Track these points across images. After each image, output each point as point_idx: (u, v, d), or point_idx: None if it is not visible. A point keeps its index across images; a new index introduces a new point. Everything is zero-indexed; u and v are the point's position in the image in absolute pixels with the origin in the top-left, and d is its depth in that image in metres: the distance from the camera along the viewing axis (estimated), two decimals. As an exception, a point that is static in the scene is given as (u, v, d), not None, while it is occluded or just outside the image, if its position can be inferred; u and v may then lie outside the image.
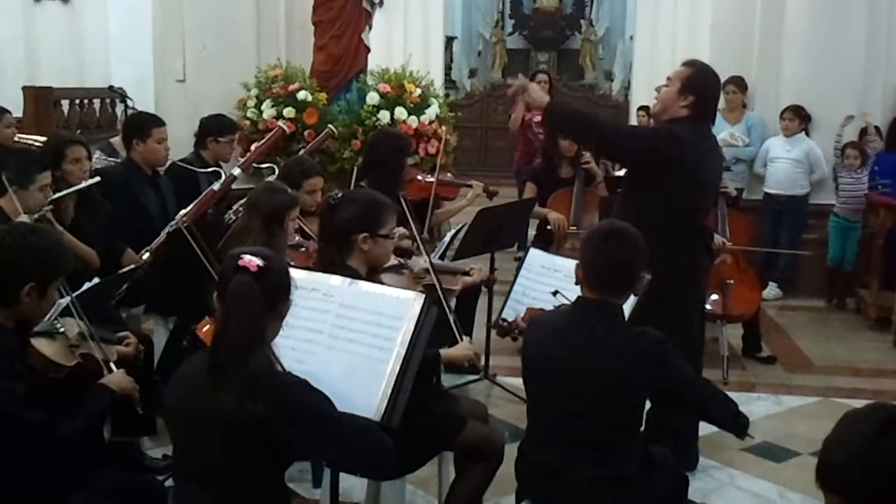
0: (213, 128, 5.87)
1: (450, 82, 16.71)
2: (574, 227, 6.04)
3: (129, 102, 8.20)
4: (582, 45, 18.57)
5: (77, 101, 8.80)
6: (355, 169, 5.82)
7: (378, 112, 7.50)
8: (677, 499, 3.20)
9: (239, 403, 2.29)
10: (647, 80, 12.27)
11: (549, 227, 6.19)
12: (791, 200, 7.80)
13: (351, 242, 3.25)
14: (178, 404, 2.52)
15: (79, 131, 7.71)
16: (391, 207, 3.41)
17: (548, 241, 6.02)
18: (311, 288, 2.84)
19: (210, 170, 5.58)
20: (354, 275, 3.16)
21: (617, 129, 4.28)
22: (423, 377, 3.13)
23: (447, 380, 5.27)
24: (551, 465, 2.95)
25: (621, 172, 6.18)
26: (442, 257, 5.21)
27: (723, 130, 7.66)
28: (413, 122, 7.49)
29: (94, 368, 3.17)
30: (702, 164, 4.11)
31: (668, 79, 4.17)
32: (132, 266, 4.43)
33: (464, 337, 3.60)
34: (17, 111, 7.41)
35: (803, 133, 7.82)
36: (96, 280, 3.90)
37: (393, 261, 3.72)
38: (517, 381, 4.63)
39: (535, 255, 4.06)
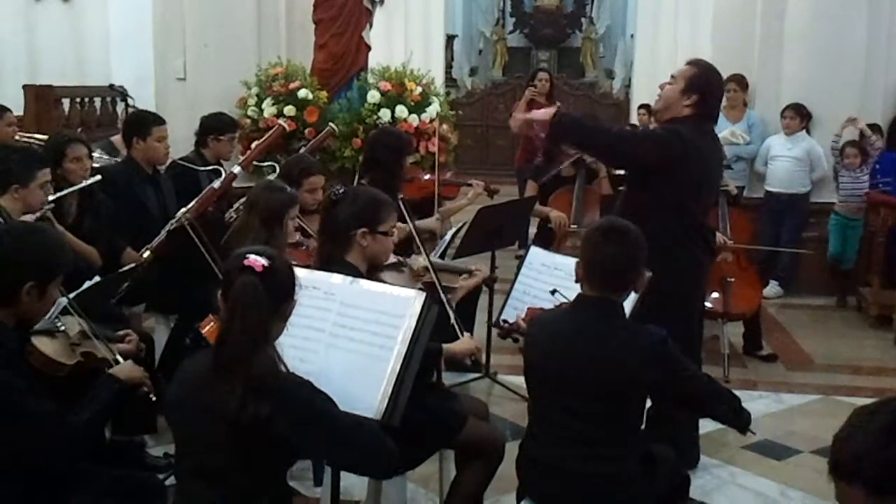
0: (213, 126, 5.88)
1: (450, 80, 16.70)
2: (575, 226, 6.04)
3: (130, 101, 8.20)
4: (583, 44, 18.56)
5: (78, 100, 8.79)
6: (358, 167, 5.83)
7: (379, 110, 7.49)
8: (678, 497, 3.20)
9: (242, 403, 2.29)
10: (647, 79, 12.28)
11: (550, 226, 6.20)
12: (792, 199, 7.79)
13: (350, 238, 3.26)
14: (181, 402, 2.52)
15: (80, 130, 7.70)
16: (392, 205, 3.42)
17: (549, 240, 6.02)
18: (312, 286, 2.83)
19: (210, 168, 5.58)
20: (353, 270, 3.17)
21: (619, 135, 4.27)
22: (424, 370, 3.13)
23: (448, 378, 5.27)
24: (552, 463, 2.95)
25: (623, 171, 6.17)
26: (443, 256, 5.22)
27: (724, 129, 7.64)
28: (414, 120, 7.48)
29: (96, 366, 3.17)
30: (705, 163, 4.11)
31: (672, 77, 4.16)
32: (132, 265, 4.43)
33: (464, 332, 3.60)
34: (18, 109, 7.41)
35: (804, 131, 7.81)
36: (97, 279, 3.90)
37: (392, 259, 3.72)
38: (518, 380, 4.64)
39: (535, 253, 4.05)
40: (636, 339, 2.95)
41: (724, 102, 7.77)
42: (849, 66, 7.72)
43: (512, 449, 3.26)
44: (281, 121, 6.97)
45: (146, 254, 4.60)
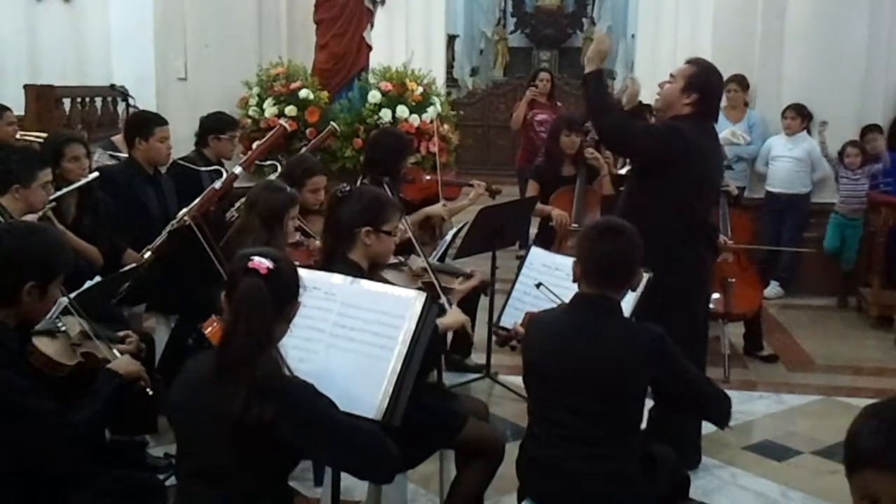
0: (213, 125, 5.88)
1: (452, 80, 16.70)
2: (576, 225, 6.04)
3: (131, 101, 8.19)
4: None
5: (79, 100, 8.79)
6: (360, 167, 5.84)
7: (380, 110, 7.49)
8: (678, 497, 3.20)
9: (246, 405, 2.29)
10: (648, 79, 12.21)
11: (551, 225, 6.20)
12: (793, 199, 7.79)
13: (354, 235, 3.27)
14: (183, 403, 2.52)
15: (80, 129, 7.70)
16: (396, 206, 3.45)
17: (549, 240, 6.02)
18: (312, 286, 2.83)
19: (212, 168, 5.59)
20: (355, 268, 3.19)
21: (627, 123, 4.28)
22: (430, 354, 3.13)
23: (449, 378, 5.28)
24: (552, 464, 2.96)
25: (624, 171, 6.18)
26: (443, 256, 5.22)
27: (724, 129, 7.65)
28: (415, 120, 7.48)
29: (96, 367, 3.17)
30: (705, 160, 4.12)
31: (672, 76, 4.17)
32: (133, 265, 4.43)
33: (452, 305, 3.62)
34: (19, 109, 7.40)
35: (805, 132, 7.81)
36: (98, 279, 3.90)
37: (392, 259, 3.73)
38: (518, 380, 4.63)
39: (536, 253, 4.06)
40: (635, 336, 2.97)
41: (724, 102, 7.83)
42: (849, 67, 7.73)
43: (512, 449, 3.26)
44: (282, 121, 6.97)
45: (147, 254, 4.61)
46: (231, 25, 8.11)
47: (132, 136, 5.28)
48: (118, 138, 6.27)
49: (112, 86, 8.87)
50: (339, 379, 2.73)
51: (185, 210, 4.86)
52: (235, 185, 5.42)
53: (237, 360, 2.34)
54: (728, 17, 8.75)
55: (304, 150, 6.30)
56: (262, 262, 2.41)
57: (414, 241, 4.01)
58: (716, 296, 5.88)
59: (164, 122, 5.36)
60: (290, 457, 2.55)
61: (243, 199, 4.83)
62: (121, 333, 3.53)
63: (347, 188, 3.40)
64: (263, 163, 5.84)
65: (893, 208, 7.28)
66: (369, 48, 8.01)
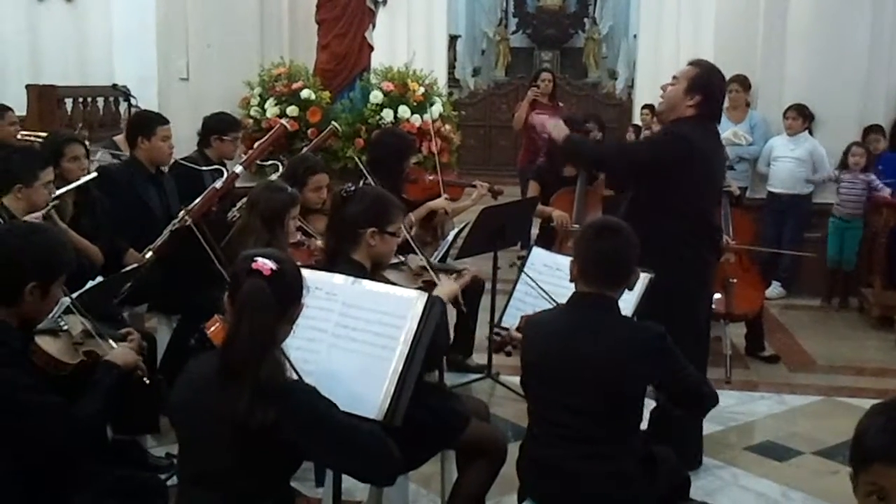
0: (216, 126, 5.88)
1: (453, 81, 16.71)
2: (577, 225, 6.04)
3: (133, 101, 8.21)
4: (585, 44, 18.56)
5: (81, 100, 8.81)
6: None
7: (381, 110, 7.50)
8: (679, 497, 3.20)
9: (249, 408, 2.29)
10: (650, 79, 12.26)
11: (552, 225, 6.20)
12: (794, 199, 7.79)
13: (358, 236, 3.28)
14: (185, 404, 2.51)
15: (81, 127, 7.71)
16: (400, 207, 3.45)
17: (551, 240, 6.02)
18: (314, 287, 2.83)
19: (213, 167, 5.59)
20: (358, 268, 3.19)
21: (620, 149, 4.33)
22: (436, 346, 3.13)
23: (450, 378, 5.28)
24: (553, 464, 2.96)
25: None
26: (445, 256, 5.22)
27: (726, 129, 7.66)
28: (416, 120, 7.49)
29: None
30: (707, 162, 4.13)
31: (675, 77, 4.17)
32: (135, 265, 4.43)
33: (440, 278, 3.62)
34: (21, 109, 7.42)
35: (807, 132, 7.81)
36: (99, 279, 3.90)
37: (393, 258, 3.73)
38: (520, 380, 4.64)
39: (538, 254, 4.06)
40: (634, 334, 2.98)
41: (726, 103, 7.81)
42: (851, 67, 7.72)
43: (514, 449, 3.26)
44: (283, 121, 6.98)
45: (148, 254, 4.61)
46: (233, 25, 8.12)
47: (134, 135, 5.28)
48: (120, 138, 6.27)
49: (114, 86, 8.89)
50: (340, 379, 2.73)
51: (186, 209, 4.86)
52: (237, 184, 5.42)
53: (240, 362, 2.34)
54: (730, 17, 8.75)
55: (305, 150, 6.31)
56: (265, 264, 2.40)
57: (411, 240, 4.02)
58: (717, 296, 5.87)
59: (165, 121, 5.36)
60: (292, 458, 2.54)
61: (245, 199, 4.84)
62: (122, 331, 3.53)
63: (352, 188, 3.40)
64: (264, 163, 5.85)
65: (894, 209, 7.28)
66: (371, 48, 8.02)
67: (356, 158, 5.74)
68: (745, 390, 5.57)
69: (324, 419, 2.41)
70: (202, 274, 3.98)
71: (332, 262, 3.28)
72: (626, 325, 3.07)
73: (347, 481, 3.04)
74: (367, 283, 3.02)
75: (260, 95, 7.77)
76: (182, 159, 5.67)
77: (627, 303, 3.30)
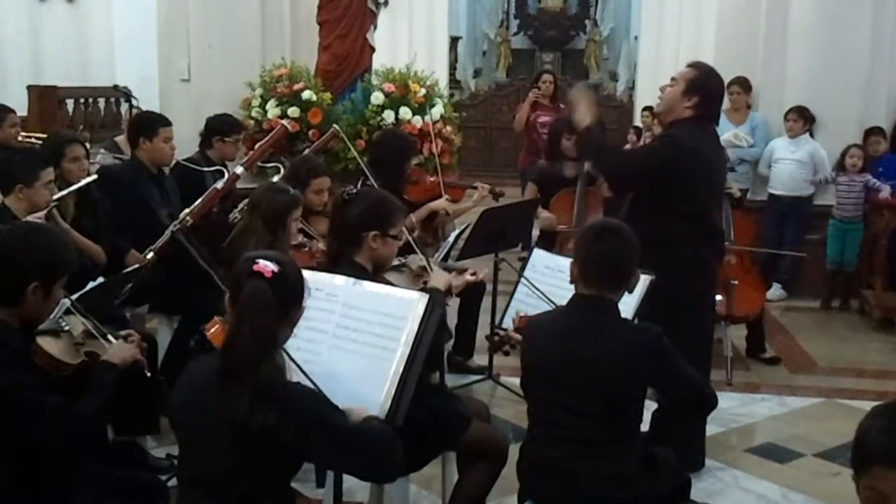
0: (219, 127, 5.88)
1: (454, 82, 16.71)
2: (563, 226, 6.05)
3: (134, 101, 8.21)
4: (587, 46, 18.55)
5: (82, 100, 8.81)
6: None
7: (383, 112, 7.50)
8: (680, 499, 3.20)
9: (249, 409, 2.28)
10: (651, 81, 12.25)
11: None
12: (795, 201, 7.79)
13: (360, 239, 3.28)
14: (185, 405, 2.51)
15: (82, 128, 7.71)
16: (402, 210, 3.45)
17: (552, 242, 6.02)
18: (315, 288, 2.83)
19: (214, 168, 5.59)
20: (360, 271, 3.19)
21: (622, 158, 4.33)
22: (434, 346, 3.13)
23: (451, 380, 5.28)
24: (553, 465, 2.96)
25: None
26: (446, 257, 5.22)
27: (727, 131, 7.66)
28: (417, 121, 7.49)
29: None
30: (706, 163, 4.14)
31: (673, 79, 4.18)
32: (136, 266, 4.44)
33: (432, 266, 3.62)
34: (22, 110, 7.41)
35: (808, 134, 7.81)
36: (101, 280, 3.90)
37: (394, 259, 3.73)
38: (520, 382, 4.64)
39: (539, 255, 4.06)
40: (633, 336, 2.99)
41: (727, 105, 7.85)
42: (852, 69, 7.72)
43: (515, 451, 3.26)
44: (284, 122, 6.98)
45: (150, 255, 4.61)
46: (234, 26, 8.12)
47: (136, 136, 5.29)
48: (121, 139, 6.28)
49: (115, 87, 8.89)
50: (341, 380, 2.73)
51: (187, 210, 4.87)
52: (238, 186, 5.42)
53: (240, 363, 2.33)
54: (731, 18, 8.75)
55: (307, 151, 6.31)
56: (266, 266, 2.40)
57: (412, 241, 4.01)
58: (718, 298, 5.88)
59: (167, 122, 5.37)
60: (292, 460, 2.54)
61: (246, 201, 4.84)
62: (122, 333, 3.53)
63: (353, 191, 3.40)
64: (266, 164, 5.85)
65: (895, 211, 7.28)
66: (372, 49, 8.02)
67: (358, 158, 5.73)
68: (745, 392, 5.57)
69: (324, 421, 2.41)
70: (203, 275, 3.98)
71: (335, 265, 3.28)
72: (625, 327, 3.07)
73: (348, 482, 3.04)
74: (368, 285, 3.02)
75: (261, 96, 7.76)
76: (183, 160, 5.67)
77: (628, 305, 3.30)
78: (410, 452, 2.81)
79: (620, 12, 18.27)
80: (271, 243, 3.69)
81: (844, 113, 7.71)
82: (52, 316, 3.12)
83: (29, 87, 8.08)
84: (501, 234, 5.45)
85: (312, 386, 2.54)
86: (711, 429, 4.59)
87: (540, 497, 3.04)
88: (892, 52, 7.95)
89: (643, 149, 4.33)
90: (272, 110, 7.60)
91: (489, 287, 5.50)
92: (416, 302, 2.86)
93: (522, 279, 3.59)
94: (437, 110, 7.73)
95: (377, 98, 7.56)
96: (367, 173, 5.16)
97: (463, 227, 5.51)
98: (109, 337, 3.26)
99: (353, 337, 2.85)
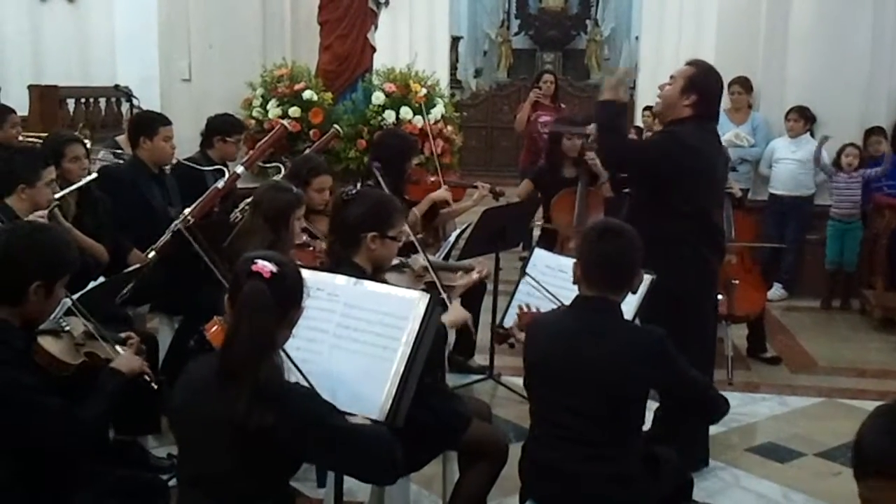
0: (220, 127, 5.88)
1: (455, 82, 16.72)
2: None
3: (135, 101, 8.20)
4: (587, 46, 18.56)
5: (83, 100, 8.83)
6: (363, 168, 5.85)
7: (383, 112, 7.50)
8: (682, 499, 3.20)
9: (248, 410, 2.28)
10: (652, 81, 12.23)
11: (553, 227, 6.20)
12: (796, 201, 7.79)
13: (359, 239, 3.27)
14: (185, 406, 2.51)
15: (82, 127, 7.71)
16: (401, 210, 3.45)
17: (553, 242, 6.02)
18: (316, 287, 2.83)
19: (215, 168, 5.59)
20: (359, 272, 3.18)
21: (627, 144, 4.31)
22: (436, 351, 3.13)
23: (452, 379, 5.28)
24: (554, 465, 2.96)
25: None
26: (447, 257, 5.22)
27: (728, 131, 7.66)
28: (418, 121, 7.49)
29: (99, 367, 3.18)
30: (706, 161, 4.13)
31: (672, 77, 4.18)
32: (137, 265, 4.44)
33: (452, 301, 3.62)
34: (23, 109, 7.42)
35: (808, 134, 7.81)
36: (102, 279, 3.90)
37: (394, 259, 3.72)
38: (522, 381, 4.64)
39: (539, 255, 4.06)
40: (636, 337, 2.98)
41: (728, 105, 7.86)
42: (853, 69, 7.72)
43: (515, 451, 3.26)
44: (285, 122, 6.99)
45: (151, 254, 4.61)
46: (235, 26, 8.13)
47: (136, 135, 5.29)
48: (122, 138, 6.28)
49: (116, 86, 8.89)
50: (342, 380, 2.73)
51: (188, 210, 4.87)
52: (239, 185, 5.43)
53: (239, 364, 2.33)
54: (731, 18, 8.75)
55: (307, 151, 6.31)
56: (265, 266, 2.39)
57: (415, 241, 4.02)
58: (719, 297, 5.88)
59: (167, 121, 5.37)
60: (291, 460, 2.54)
61: (247, 200, 4.84)
62: (122, 335, 3.54)
63: (353, 191, 3.40)
64: (267, 164, 5.85)
65: (895, 210, 7.28)
66: (373, 49, 8.02)
67: (372, 169, 5.73)
68: (746, 391, 5.56)
69: (322, 423, 2.40)
70: (204, 275, 3.98)
71: (335, 265, 3.28)
72: (627, 329, 3.06)
73: (349, 482, 3.04)
74: (369, 284, 3.02)
75: (262, 96, 7.77)
76: (184, 160, 5.67)
77: (629, 304, 3.29)
78: (411, 452, 2.81)
79: (621, 12, 18.29)
80: (274, 242, 3.68)
81: (845, 113, 7.70)
82: (52, 316, 3.12)
83: (30, 87, 8.09)
84: (502, 234, 5.45)
85: (310, 387, 2.54)
86: (712, 428, 4.59)
87: (541, 497, 3.04)
88: (893, 52, 7.94)
89: (644, 141, 4.31)
90: (273, 110, 7.60)
91: (489, 286, 5.50)
92: (416, 301, 2.86)
93: (530, 280, 3.57)
94: (438, 110, 7.73)
95: (378, 98, 7.57)
96: (379, 177, 5.10)
97: (464, 226, 5.51)
98: (111, 342, 3.26)
99: (354, 336, 2.85)
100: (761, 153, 8.01)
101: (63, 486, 2.85)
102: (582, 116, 7.80)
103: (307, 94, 7.57)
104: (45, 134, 6.07)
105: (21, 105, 7.33)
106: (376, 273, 3.32)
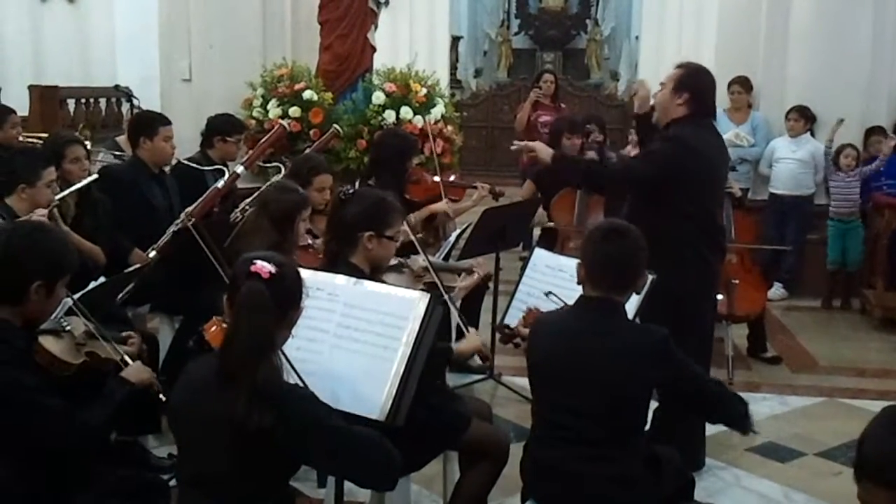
0: (221, 127, 5.88)
1: (455, 82, 16.70)
2: (550, 223, 6.07)
3: (135, 101, 8.21)
4: (587, 45, 18.55)
5: (83, 100, 8.82)
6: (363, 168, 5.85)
7: (384, 111, 7.50)
8: (682, 498, 3.19)
9: (247, 412, 2.28)
10: (652, 80, 12.09)
11: (553, 227, 6.20)
12: (796, 201, 7.78)
13: (356, 239, 3.26)
14: (184, 407, 2.52)
15: (83, 127, 7.71)
16: (399, 210, 3.43)
17: (553, 241, 6.02)
18: (316, 287, 2.84)
19: (214, 167, 5.60)
20: (356, 272, 3.18)
21: (624, 165, 4.34)
22: (434, 371, 3.13)
23: (452, 379, 5.28)
24: (556, 465, 2.96)
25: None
26: (447, 257, 5.22)
27: (728, 130, 7.66)
28: (418, 121, 7.49)
29: (100, 366, 3.18)
30: (707, 160, 4.14)
31: (662, 84, 4.20)
32: (138, 265, 4.44)
33: (469, 329, 3.60)
34: (23, 110, 7.42)
35: (808, 133, 7.81)
36: (102, 279, 3.90)
37: (393, 260, 3.72)
38: (522, 381, 4.64)
39: (540, 255, 4.06)
40: (638, 337, 2.97)
41: (728, 104, 7.86)
42: (854, 68, 7.71)
43: (516, 450, 3.26)
44: (285, 122, 6.98)
45: (153, 254, 4.62)
46: (235, 26, 8.12)
47: (137, 135, 5.29)
48: (122, 139, 6.28)
49: (116, 87, 8.89)
50: (343, 380, 2.73)
51: (188, 209, 4.87)
52: (239, 185, 5.42)
53: (238, 364, 2.34)
54: (732, 17, 8.75)
55: (307, 151, 6.31)
56: (264, 267, 2.39)
57: (415, 241, 4.01)
58: (719, 297, 5.87)
59: (168, 121, 5.38)
60: (290, 461, 2.54)
61: (247, 200, 4.85)
62: (123, 334, 3.54)
63: (351, 191, 3.39)
64: (267, 164, 5.85)
65: (895, 210, 7.28)
66: (373, 49, 8.02)
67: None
68: (747, 391, 5.53)
69: (321, 426, 2.40)
70: (205, 274, 3.98)
71: (331, 265, 3.27)
72: (630, 329, 3.06)
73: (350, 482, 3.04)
74: (369, 284, 3.02)
75: (262, 96, 7.77)
76: (185, 160, 5.68)
77: (630, 304, 3.29)
78: (411, 452, 2.81)
79: (621, 12, 18.27)
80: (278, 243, 3.68)
81: (845, 112, 7.68)
82: (53, 316, 3.12)
83: (30, 87, 8.08)
84: (502, 234, 5.45)
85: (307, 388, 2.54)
86: (712, 428, 4.57)
87: (543, 497, 3.04)
88: (894, 51, 7.94)
89: (645, 154, 4.30)
90: (273, 110, 7.60)
91: (490, 286, 5.50)
92: (416, 301, 2.86)
93: (551, 295, 3.56)
94: (438, 110, 7.73)
95: (378, 98, 7.56)
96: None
97: (464, 226, 5.51)
98: (125, 356, 3.26)
99: (355, 336, 2.85)
100: (761, 153, 8.01)
101: (64, 486, 2.85)
102: (582, 116, 7.82)
103: (307, 94, 7.57)
104: (46, 134, 6.07)
105: (21, 105, 7.32)
106: (374, 273, 3.31)
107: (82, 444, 2.84)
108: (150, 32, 8.89)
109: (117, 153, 6.08)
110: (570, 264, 3.58)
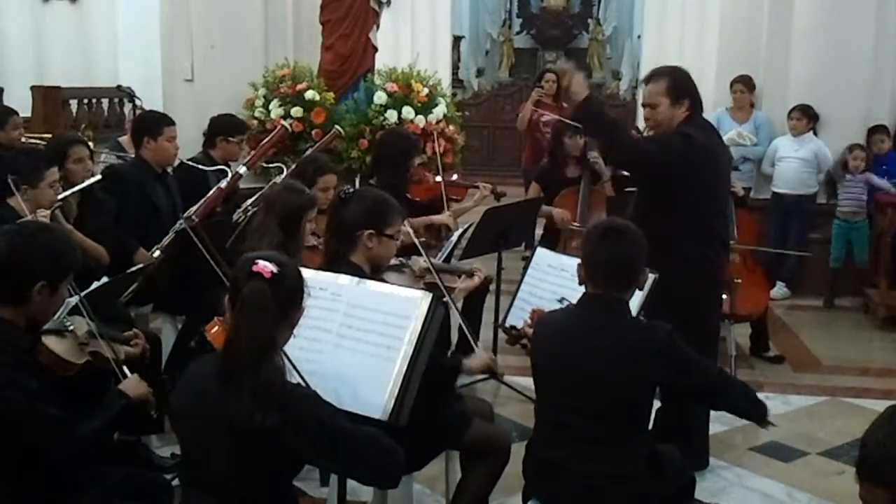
0: (223, 127, 5.88)
1: (457, 82, 16.68)
2: (576, 224, 6.05)
3: (138, 102, 8.21)
4: (589, 45, 18.53)
5: (85, 101, 8.82)
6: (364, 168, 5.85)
7: (385, 111, 7.51)
8: (684, 497, 3.20)
9: (249, 412, 2.28)
10: (654, 80, 12.24)
11: (556, 226, 6.20)
12: (799, 200, 7.77)
13: (356, 238, 3.26)
14: (186, 408, 2.51)
15: (85, 128, 7.71)
16: (399, 210, 3.43)
17: (555, 241, 6.02)
18: (319, 287, 2.84)
19: (217, 168, 5.60)
20: (357, 271, 3.18)
21: (634, 144, 4.29)
22: (445, 385, 3.14)
23: (454, 379, 5.27)
24: (559, 464, 2.96)
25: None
26: (449, 257, 5.22)
27: (730, 130, 7.66)
28: (420, 121, 7.49)
29: (104, 366, 3.19)
30: (714, 158, 4.15)
31: (646, 106, 4.16)
32: (140, 265, 4.44)
33: (477, 344, 3.60)
34: (26, 110, 7.42)
35: (811, 132, 7.80)
36: (105, 279, 3.90)
37: (394, 260, 3.72)
38: (524, 381, 4.64)
39: (542, 254, 4.06)
40: (641, 335, 2.97)
41: (730, 103, 7.87)
42: (856, 67, 7.70)
43: (518, 450, 3.26)
44: (286, 122, 6.99)
45: (156, 254, 4.62)
46: (237, 27, 8.14)
47: (140, 135, 5.30)
48: (125, 139, 6.29)
49: (119, 87, 8.88)
50: (345, 379, 2.73)
51: (191, 210, 4.88)
52: (241, 185, 5.43)
53: (240, 365, 2.33)
54: (734, 17, 8.74)
55: (309, 151, 6.31)
56: (265, 266, 2.39)
57: (417, 243, 4.01)
58: (722, 296, 5.87)
59: (171, 122, 5.38)
60: (292, 461, 2.53)
61: (249, 201, 4.85)
62: (128, 333, 3.54)
63: (351, 190, 3.39)
64: (269, 164, 5.85)
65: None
66: (375, 49, 8.03)
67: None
68: (749, 391, 5.56)
69: (324, 426, 2.40)
70: (209, 274, 3.98)
71: (331, 264, 3.27)
72: (632, 327, 3.06)
73: (352, 481, 3.04)
74: (372, 284, 3.02)
75: (264, 97, 7.78)
76: (187, 160, 5.68)
77: (633, 301, 3.29)
78: (413, 451, 2.81)
79: (623, 11, 18.24)
80: (284, 243, 3.67)
81: (848, 111, 7.69)
82: (56, 316, 3.12)
83: (32, 88, 8.08)
84: (504, 234, 5.45)
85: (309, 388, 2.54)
86: (715, 427, 4.59)
87: (544, 496, 3.04)
88: (896, 50, 7.94)
89: (658, 139, 4.22)
90: (275, 110, 7.62)
91: (492, 286, 5.50)
92: (419, 301, 2.86)
93: (564, 301, 3.54)
94: (440, 110, 7.74)
95: (380, 98, 7.57)
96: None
97: (466, 226, 5.51)
98: (126, 369, 3.26)
99: (357, 336, 2.86)
100: (764, 152, 8.00)
101: (68, 486, 2.86)
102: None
103: (309, 94, 7.58)
104: (48, 135, 6.08)
105: (24, 106, 7.33)
106: (374, 273, 3.31)
107: (73, 457, 2.83)
108: (153, 33, 8.90)
109: (120, 153, 6.08)
110: (572, 263, 3.58)
